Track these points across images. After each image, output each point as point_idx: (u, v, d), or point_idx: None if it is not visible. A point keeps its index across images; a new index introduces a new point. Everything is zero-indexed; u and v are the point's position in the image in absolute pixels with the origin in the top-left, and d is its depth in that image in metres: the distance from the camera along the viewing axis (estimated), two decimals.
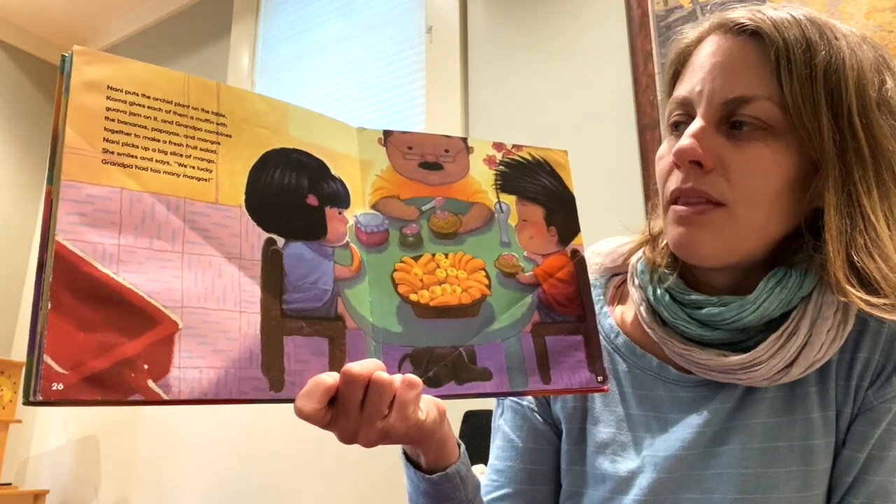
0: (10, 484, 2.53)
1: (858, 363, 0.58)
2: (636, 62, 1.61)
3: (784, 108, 0.54)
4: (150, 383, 0.41)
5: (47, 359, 0.38)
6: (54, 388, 0.38)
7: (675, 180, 0.58)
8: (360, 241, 0.53)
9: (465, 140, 0.60)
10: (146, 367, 0.41)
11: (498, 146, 0.61)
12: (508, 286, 0.57)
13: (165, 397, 0.41)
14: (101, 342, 0.40)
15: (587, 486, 0.64)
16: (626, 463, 0.62)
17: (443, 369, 0.53)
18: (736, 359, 0.57)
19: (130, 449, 2.34)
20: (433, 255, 0.56)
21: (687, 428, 0.61)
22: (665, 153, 0.60)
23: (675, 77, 0.63)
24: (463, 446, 0.58)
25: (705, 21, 0.61)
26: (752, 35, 0.56)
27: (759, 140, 0.55)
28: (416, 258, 0.55)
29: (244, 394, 0.44)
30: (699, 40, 0.61)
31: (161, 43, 2.87)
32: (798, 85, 0.53)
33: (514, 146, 0.62)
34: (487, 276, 0.56)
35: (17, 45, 3.01)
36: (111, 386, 0.40)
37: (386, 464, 1.72)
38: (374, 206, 0.55)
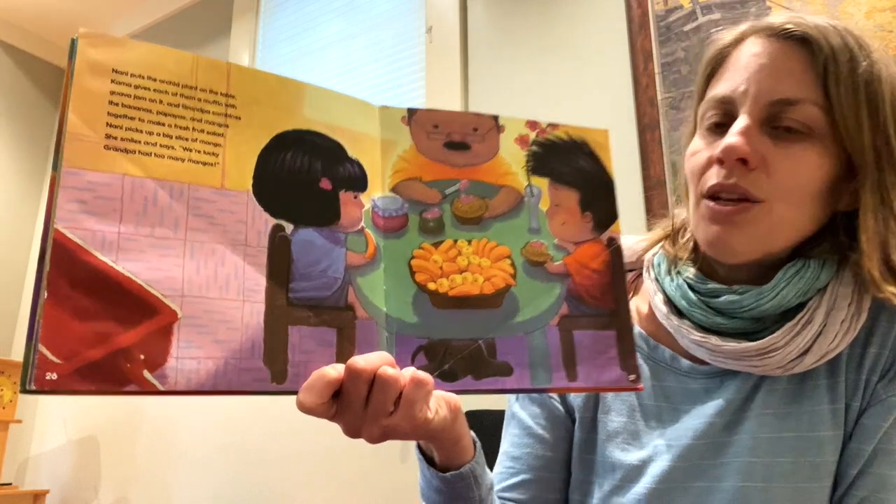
0: (10, 484, 2.50)
1: (868, 358, 0.59)
2: (636, 62, 1.61)
3: (827, 113, 0.56)
4: (147, 374, 0.41)
5: (42, 348, 0.38)
6: (48, 377, 0.38)
7: (714, 176, 0.58)
8: (376, 227, 0.51)
9: (496, 118, 0.57)
10: (142, 357, 0.41)
11: (532, 125, 0.57)
12: (535, 276, 0.53)
13: (161, 388, 0.41)
14: (97, 332, 0.40)
15: (597, 474, 0.65)
16: (636, 452, 0.63)
17: (459, 363, 0.50)
18: (752, 344, 0.58)
19: (130, 449, 2.34)
20: (455, 241, 0.53)
21: (698, 418, 0.62)
22: (700, 149, 0.61)
23: (708, 78, 0.64)
24: (479, 444, 0.56)
25: (740, 26, 0.63)
26: (798, 40, 0.58)
27: (801, 142, 0.56)
28: (437, 244, 0.52)
29: (244, 385, 0.43)
30: (737, 42, 0.62)
31: (161, 43, 2.76)
32: (844, 92, 0.55)
33: (549, 125, 0.58)
34: (513, 265, 0.53)
35: (17, 45, 2.95)
36: (106, 376, 0.39)
37: (388, 466, 1.73)
38: (393, 189, 0.53)
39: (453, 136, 0.55)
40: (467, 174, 0.55)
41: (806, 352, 0.57)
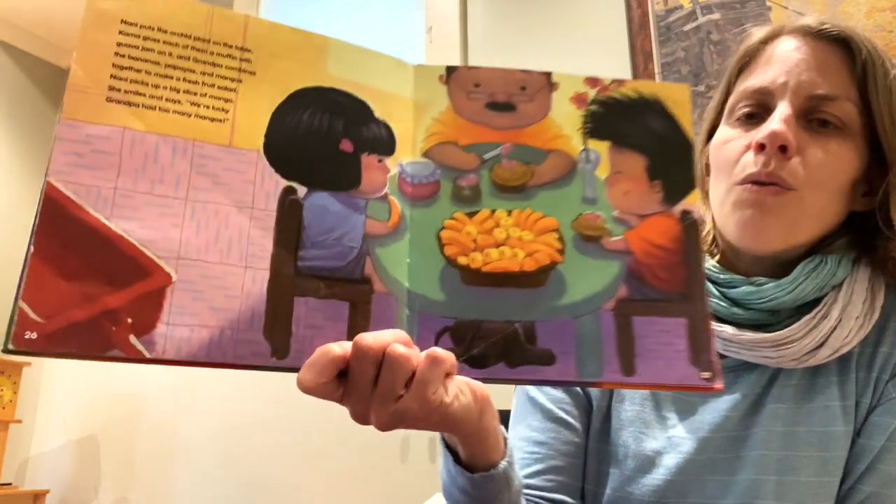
0: (10, 484, 2.46)
1: (879, 357, 0.61)
2: (636, 62, 1.62)
3: (862, 112, 0.59)
4: (133, 339, 0.38)
5: (24, 305, 0.36)
6: (27, 336, 0.36)
7: (752, 163, 0.59)
8: (403, 194, 0.46)
9: (548, 75, 0.50)
10: (130, 320, 0.38)
11: (592, 82, 0.50)
12: (588, 252, 0.46)
13: (148, 355, 0.38)
14: (83, 291, 0.37)
15: (609, 464, 0.65)
16: (650, 442, 0.63)
17: (491, 347, 0.44)
18: (770, 335, 0.59)
19: (130, 449, 2.33)
20: (493, 211, 0.47)
21: (714, 412, 0.62)
22: (734, 138, 0.62)
23: (739, 72, 0.65)
24: (510, 442, 0.49)
25: (771, 24, 0.67)
26: (835, 40, 0.61)
27: (836, 137, 0.59)
28: (471, 214, 0.46)
29: (240, 358, 0.40)
30: (770, 38, 0.64)
31: None
32: (881, 93, 0.59)
33: (613, 81, 0.50)
34: (561, 239, 0.46)
35: (18, 46, 2.89)
36: (89, 338, 0.37)
37: (389, 465, 1.67)
38: (426, 154, 0.47)
39: (497, 96, 0.49)
40: (511, 137, 0.48)
41: (821, 345, 0.59)
